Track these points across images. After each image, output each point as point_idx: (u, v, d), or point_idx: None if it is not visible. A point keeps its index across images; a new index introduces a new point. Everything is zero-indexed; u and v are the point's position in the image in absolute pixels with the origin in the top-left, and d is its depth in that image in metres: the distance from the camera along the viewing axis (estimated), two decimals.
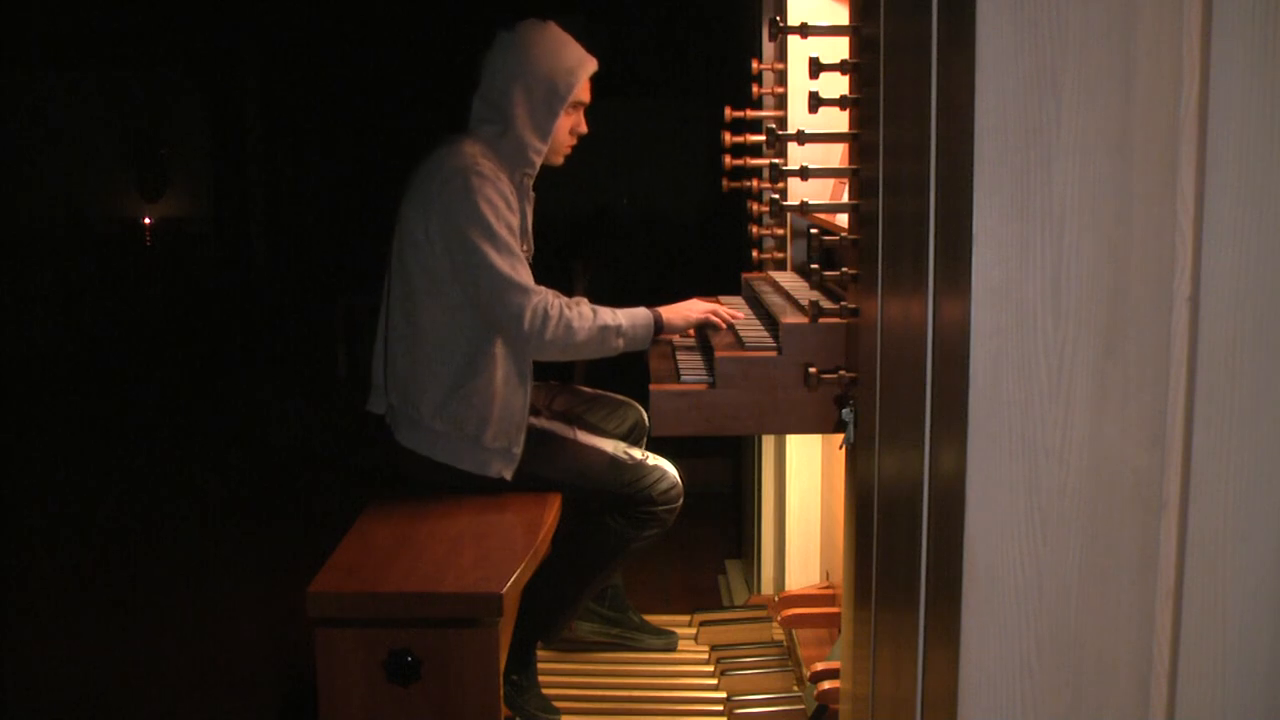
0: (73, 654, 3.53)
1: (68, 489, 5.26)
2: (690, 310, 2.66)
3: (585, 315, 2.60)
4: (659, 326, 2.65)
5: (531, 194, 2.75)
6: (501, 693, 2.26)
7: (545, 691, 2.86)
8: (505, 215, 2.58)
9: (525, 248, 2.71)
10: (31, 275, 8.11)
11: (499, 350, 2.64)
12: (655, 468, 2.71)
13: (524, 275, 2.58)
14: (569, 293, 2.68)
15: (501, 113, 2.65)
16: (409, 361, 2.65)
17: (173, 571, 4.20)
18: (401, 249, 2.66)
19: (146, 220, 9.80)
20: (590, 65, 2.71)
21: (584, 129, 2.77)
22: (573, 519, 2.85)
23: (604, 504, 2.74)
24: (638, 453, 2.73)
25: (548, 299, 2.58)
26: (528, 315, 2.55)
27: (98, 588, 4.06)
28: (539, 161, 2.70)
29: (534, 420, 2.77)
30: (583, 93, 2.71)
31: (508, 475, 2.67)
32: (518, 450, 2.68)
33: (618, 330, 2.62)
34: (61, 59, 8.94)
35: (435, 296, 2.61)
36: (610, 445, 2.74)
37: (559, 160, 2.78)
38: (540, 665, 3.01)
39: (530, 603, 2.74)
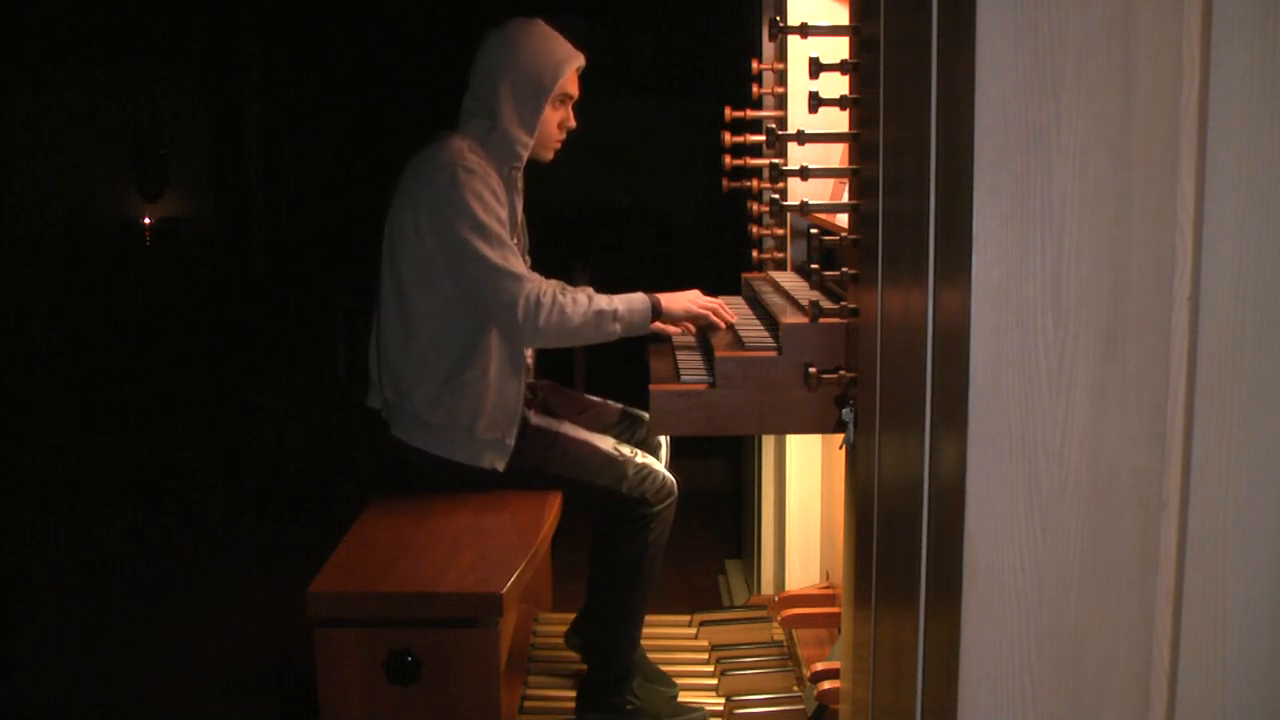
0: (73, 654, 3.53)
1: (68, 489, 5.26)
2: (690, 301, 2.65)
3: (580, 301, 2.60)
4: (656, 311, 2.64)
5: (520, 187, 2.75)
6: (501, 693, 2.26)
7: (553, 693, 2.86)
8: (493, 207, 2.59)
9: (516, 240, 2.71)
10: (31, 275, 8.11)
11: (493, 342, 2.64)
12: (645, 465, 2.70)
13: (515, 264, 2.59)
14: None
15: (489, 108, 2.66)
16: (403, 356, 2.65)
17: (172, 571, 4.20)
18: (392, 245, 2.67)
19: (146, 220, 9.79)
20: (576, 60, 2.72)
21: (572, 124, 2.77)
22: (591, 559, 2.84)
23: (605, 520, 2.74)
24: (627, 449, 2.73)
25: (540, 286, 2.58)
26: (521, 304, 2.55)
27: (98, 588, 4.07)
28: (525, 155, 2.70)
29: (525, 414, 2.76)
30: (569, 86, 2.71)
31: (500, 466, 2.67)
32: (510, 441, 2.68)
33: (614, 315, 2.61)
34: (62, 59, 8.94)
35: (427, 291, 2.62)
36: (601, 441, 2.74)
37: (549, 155, 2.77)
38: (540, 666, 3.01)
39: (595, 652, 2.79)
